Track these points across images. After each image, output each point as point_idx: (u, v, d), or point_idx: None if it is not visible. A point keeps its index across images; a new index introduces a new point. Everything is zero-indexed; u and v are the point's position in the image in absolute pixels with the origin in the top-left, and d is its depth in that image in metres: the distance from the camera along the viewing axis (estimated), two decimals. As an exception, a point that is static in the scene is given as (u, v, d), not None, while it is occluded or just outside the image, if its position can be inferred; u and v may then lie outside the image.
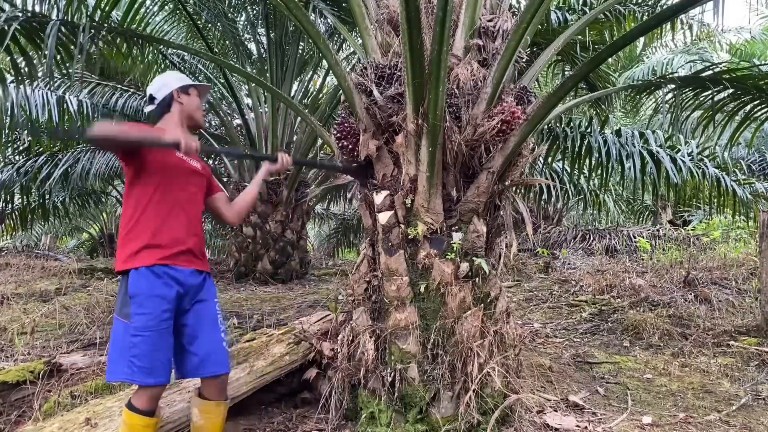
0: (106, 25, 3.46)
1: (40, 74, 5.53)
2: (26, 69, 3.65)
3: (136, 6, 3.94)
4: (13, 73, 3.53)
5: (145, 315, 2.03)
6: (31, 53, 3.56)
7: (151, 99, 2.36)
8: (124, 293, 2.09)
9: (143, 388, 2.04)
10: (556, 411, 3.02)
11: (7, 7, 3.25)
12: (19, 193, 8.87)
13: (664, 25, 5.35)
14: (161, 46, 6.61)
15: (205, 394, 2.26)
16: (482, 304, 2.77)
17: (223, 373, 2.24)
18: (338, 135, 2.96)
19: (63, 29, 3.33)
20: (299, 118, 8.22)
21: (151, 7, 5.56)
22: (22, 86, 5.78)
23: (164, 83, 2.36)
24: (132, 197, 2.16)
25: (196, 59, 7.69)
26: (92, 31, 3.28)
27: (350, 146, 2.93)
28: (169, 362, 2.10)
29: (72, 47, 3.43)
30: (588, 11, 4.96)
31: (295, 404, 3.12)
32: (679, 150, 5.42)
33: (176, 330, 2.16)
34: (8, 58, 3.36)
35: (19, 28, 3.15)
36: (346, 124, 2.94)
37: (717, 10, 2.57)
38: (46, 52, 3.03)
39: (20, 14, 3.18)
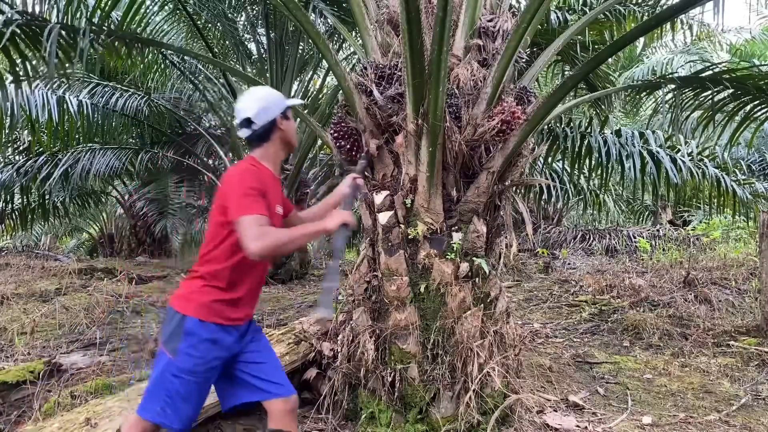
0: (105, 27, 3.45)
1: (39, 77, 5.54)
2: (26, 72, 3.64)
3: (135, 6, 3.94)
4: (12, 76, 3.51)
5: (194, 358, 1.86)
6: (29, 55, 3.56)
7: (248, 122, 2.02)
8: (177, 326, 1.88)
9: (154, 428, 1.92)
10: (556, 411, 3.02)
11: (6, 8, 3.25)
12: (19, 193, 8.87)
13: (664, 26, 5.34)
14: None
15: (281, 426, 2.01)
16: (482, 304, 2.77)
17: (294, 393, 2.07)
18: (335, 135, 2.96)
19: (63, 32, 3.33)
20: (299, 119, 8.21)
21: (151, 7, 5.55)
22: (22, 86, 5.79)
23: (264, 107, 2.02)
24: (233, 237, 1.87)
25: (196, 59, 7.69)
26: (92, 35, 3.28)
27: (348, 146, 2.94)
28: (197, 414, 1.97)
29: (72, 53, 3.42)
30: (588, 11, 4.96)
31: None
32: (679, 150, 5.42)
33: (234, 368, 2.02)
34: (7, 61, 3.35)
35: (17, 30, 3.14)
36: (342, 124, 2.95)
37: (717, 10, 2.57)
38: (45, 55, 3.03)
39: (19, 16, 3.18)
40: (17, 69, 3.41)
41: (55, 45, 2.98)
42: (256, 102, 2.02)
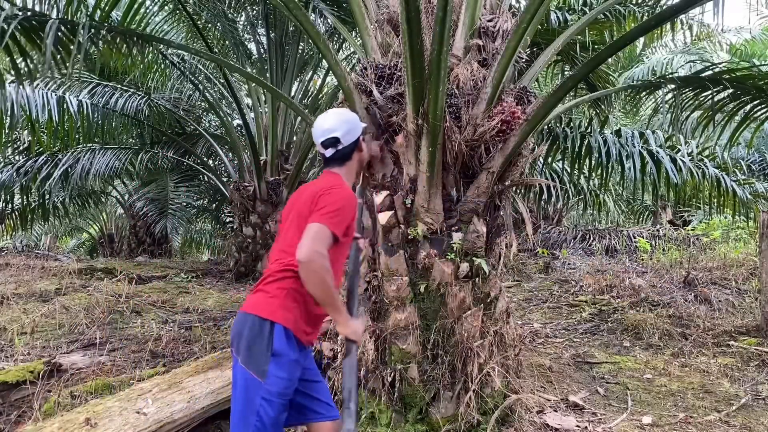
0: (106, 24, 3.45)
1: (39, 74, 5.53)
2: (26, 69, 3.63)
3: (135, 6, 3.94)
4: (13, 73, 3.50)
5: (283, 380, 1.78)
6: (31, 53, 3.55)
7: (335, 142, 2.02)
8: (265, 346, 1.77)
9: None
10: (556, 411, 3.02)
11: (6, 5, 3.24)
12: (19, 193, 8.86)
13: (664, 26, 5.35)
14: (161, 46, 6.61)
15: None
16: (482, 305, 2.77)
17: (339, 417, 2.04)
18: None
19: (63, 28, 3.32)
20: (299, 118, 8.22)
21: (151, 7, 5.55)
22: (22, 86, 5.79)
23: (352, 128, 2.06)
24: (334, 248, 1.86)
25: (196, 59, 7.68)
26: (92, 30, 3.27)
27: None
28: None
29: (71, 47, 3.42)
30: (588, 11, 4.96)
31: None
32: (679, 150, 5.42)
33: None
34: (7, 59, 3.35)
35: (18, 27, 3.14)
36: None
37: (717, 11, 2.57)
38: (45, 51, 3.03)
39: (19, 13, 3.18)
40: (18, 66, 3.40)
41: (53, 39, 2.96)
42: (345, 123, 2.05)
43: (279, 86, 7.66)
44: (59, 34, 3.28)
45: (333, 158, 2.06)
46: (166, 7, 6.42)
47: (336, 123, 2.04)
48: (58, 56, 3.49)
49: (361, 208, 2.66)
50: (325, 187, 1.92)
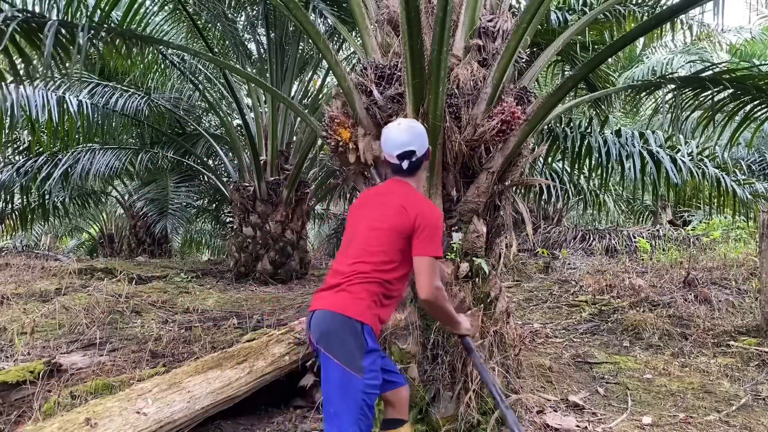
0: (105, 25, 3.45)
1: (38, 75, 5.52)
2: (25, 70, 3.63)
3: (135, 6, 3.94)
4: (12, 74, 3.50)
5: (377, 372, 1.93)
6: (30, 54, 3.55)
7: (411, 154, 2.10)
8: (359, 344, 1.88)
9: None
10: (556, 411, 3.02)
11: (6, 6, 3.24)
12: (19, 193, 8.86)
13: (663, 26, 5.34)
14: (161, 47, 6.61)
15: (395, 414, 2.15)
16: (482, 304, 2.77)
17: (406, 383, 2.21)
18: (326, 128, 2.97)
19: (62, 30, 3.32)
20: (299, 118, 8.22)
21: (151, 7, 5.55)
22: (22, 86, 5.78)
23: (424, 140, 2.15)
24: (408, 262, 2.00)
25: (196, 59, 7.69)
26: (91, 31, 3.28)
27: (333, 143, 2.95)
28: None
29: (71, 47, 3.42)
30: (588, 11, 4.96)
31: (295, 405, 3.12)
32: (679, 150, 5.42)
33: None
34: (7, 60, 3.34)
35: (17, 28, 3.14)
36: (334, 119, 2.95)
37: (717, 11, 2.57)
38: (45, 52, 3.02)
39: (19, 14, 3.17)
40: (17, 68, 3.40)
41: (52, 40, 2.96)
42: (418, 136, 2.13)
43: (279, 86, 7.66)
44: (59, 35, 3.28)
45: (405, 169, 2.14)
46: (166, 8, 6.42)
47: (411, 137, 2.12)
48: (57, 57, 3.49)
49: None
50: (421, 206, 2.02)
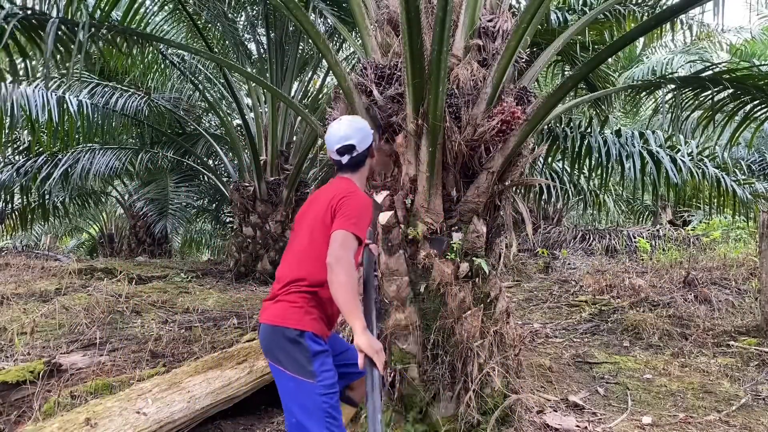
0: (106, 24, 3.44)
1: (38, 74, 5.51)
2: (25, 68, 3.62)
3: (135, 6, 3.94)
4: (12, 73, 3.49)
5: (330, 372, 1.91)
6: (30, 53, 3.55)
7: (350, 149, 2.10)
8: (303, 350, 1.88)
9: None
10: (556, 411, 3.02)
11: (6, 4, 3.23)
12: (19, 193, 8.87)
13: (663, 26, 5.35)
14: (161, 46, 6.61)
15: (354, 396, 2.26)
16: (482, 305, 2.77)
17: None
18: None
19: (63, 27, 3.32)
20: (299, 118, 8.22)
21: (151, 7, 5.55)
22: (22, 86, 5.78)
23: (365, 135, 2.14)
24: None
25: (196, 59, 7.68)
26: (92, 29, 3.27)
27: None
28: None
29: (71, 46, 3.41)
30: (588, 11, 4.96)
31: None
32: (679, 150, 5.41)
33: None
34: (7, 59, 3.34)
35: (18, 25, 3.13)
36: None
37: (717, 11, 2.57)
38: (45, 50, 3.02)
39: (19, 11, 3.17)
40: (16, 66, 3.39)
41: (53, 38, 2.95)
42: (359, 131, 2.12)
43: (279, 86, 7.66)
44: (59, 33, 3.27)
45: (347, 164, 2.13)
46: (166, 7, 6.42)
47: (351, 131, 2.11)
48: (58, 56, 3.49)
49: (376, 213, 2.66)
50: (343, 193, 1.98)
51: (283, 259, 2.08)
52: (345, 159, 2.11)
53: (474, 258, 2.74)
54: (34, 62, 3.70)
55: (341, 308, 1.84)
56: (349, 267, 1.81)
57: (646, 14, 4.92)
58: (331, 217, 1.94)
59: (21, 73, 3.57)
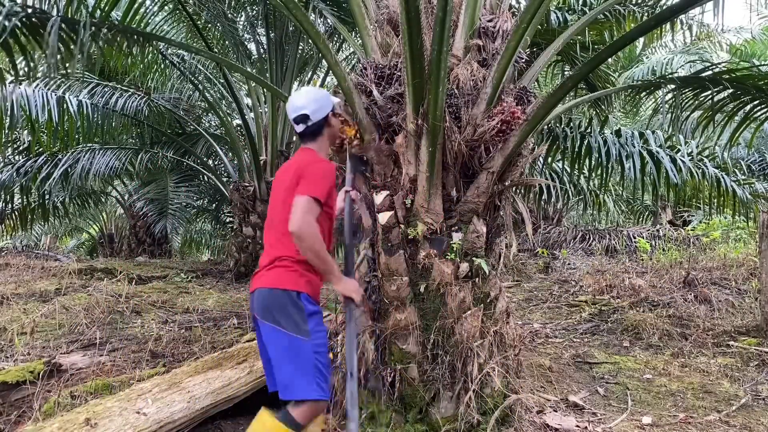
0: (107, 22, 3.44)
1: (39, 73, 5.51)
2: (27, 67, 3.60)
3: (135, 6, 3.94)
4: (12, 73, 3.48)
5: (324, 331, 2.07)
6: (31, 52, 3.54)
7: (305, 118, 2.22)
8: (300, 310, 2.03)
9: (316, 405, 2.03)
10: (556, 411, 3.02)
11: (6, 2, 3.23)
12: (19, 193, 8.86)
13: (663, 26, 5.34)
14: (161, 46, 6.61)
15: None
16: (482, 305, 2.77)
17: None
18: None
19: (63, 26, 3.31)
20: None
21: (151, 7, 5.55)
22: (22, 86, 5.78)
23: (321, 105, 2.24)
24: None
25: (196, 59, 7.68)
26: (92, 28, 3.26)
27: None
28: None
29: (72, 45, 3.41)
30: (588, 11, 4.96)
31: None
32: (678, 150, 5.41)
33: None
34: (7, 59, 3.33)
35: (19, 24, 3.12)
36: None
37: (717, 11, 2.57)
38: (46, 51, 3.01)
39: (20, 9, 3.16)
40: (16, 65, 3.38)
41: (56, 36, 2.95)
42: (313, 101, 2.24)
43: (279, 86, 7.65)
44: (60, 32, 3.26)
45: (305, 134, 2.27)
46: (166, 7, 6.42)
47: (306, 101, 2.23)
48: (58, 56, 3.47)
49: (355, 165, 2.77)
50: (304, 163, 2.15)
51: (267, 230, 2.23)
52: (300, 128, 2.24)
53: (474, 258, 2.74)
54: (34, 63, 3.68)
55: (317, 269, 2.05)
56: (310, 230, 1.97)
57: (646, 14, 4.92)
58: (297, 183, 2.08)
59: (21, 72, 3.55)
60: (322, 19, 6.52)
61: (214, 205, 12.00)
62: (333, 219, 2.29)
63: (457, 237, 2.74)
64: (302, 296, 2.04)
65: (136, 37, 3.65)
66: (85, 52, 3.07)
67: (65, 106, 6.21)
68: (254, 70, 7.96)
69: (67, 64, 3.60)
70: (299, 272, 2.06)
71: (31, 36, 3.30)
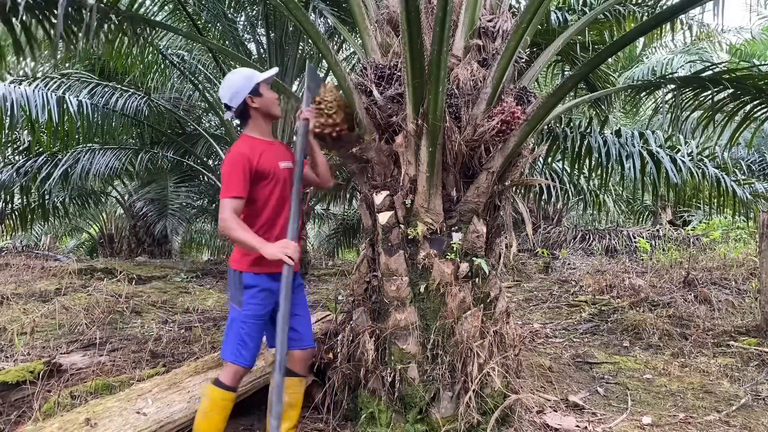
0: (114, 8, 3.41)
1: (38, 75, 5.49)
2: (30, 51, 3.52)
3: (135, 6, 3.94)
4: (11, 73, 3.46)
5: (256, 305, 2.32)
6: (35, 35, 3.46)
7: (227, 107, 2.38)
8: (238, 284, 2.34)
9: (234, 368, 2.31)
10: (556, 411, 3.02)
11: None
12: (19, 193, 8.85)
13: (663, 26, 5.34)
14: (161, 46, 6.60)
15: (294, 368, 2.50)
16: (482, 305, 2.77)
17: (312, 347, 2.56)
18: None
19: (70, 10, 3.27)
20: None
21: (150, 7, 5.55)
22: (22, 86, 5.78)
23: (236, 90, 2.36)
24: (249, 207, 2.36)
25: (196, 59, 7.68)
26: (99, 14, 3.23)
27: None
28: (258, 350, 2.38)
29: (76, 29, 3.36)
30: (588, 11, 4.96)
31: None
32: (678, 150, 5.41)
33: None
34: (11, 39, 3.26)
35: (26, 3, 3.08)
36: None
37: (717, 11, 2.57)
38: (57, 26, 2.96)
39: None
40: (20, 44, 3.33)
41: (62, 14, 2.90)
42: (228, 89, 2.38)
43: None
44: (67, 17, 3.22)
45: (237, 119, 2.45)
46: (166, 7, 6.42)
47: (223, 91, 2.39)
48: (60, 43, 3.43)
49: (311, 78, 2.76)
50: (224, 162, 2.33)
51: None
52: (228, 115, 2.43)
53: (474, 258, 2.74)
54: (38, 46, 3.61)
55: (246, 249, 2.27)
56: (232, 225, 2.20)
57: (646, 14, 4.92)
58: None
59: (25, 53, 3.46)
60: (322, 19, 6.51)
61: (214, 205, 11.98)
62: (282, 182, 2.40)
63: (457, 237, 2.74)
64: (243, 274, 2.32)
65: (142, 26, 3.62)
66: (91, 36, 3.05)
67: (65, 106, 6.21)
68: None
69: (70, 55, 3.56)
70: (242, 252, 2.34)
71: (38, 18, 3.26)
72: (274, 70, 2.52)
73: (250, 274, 2.32)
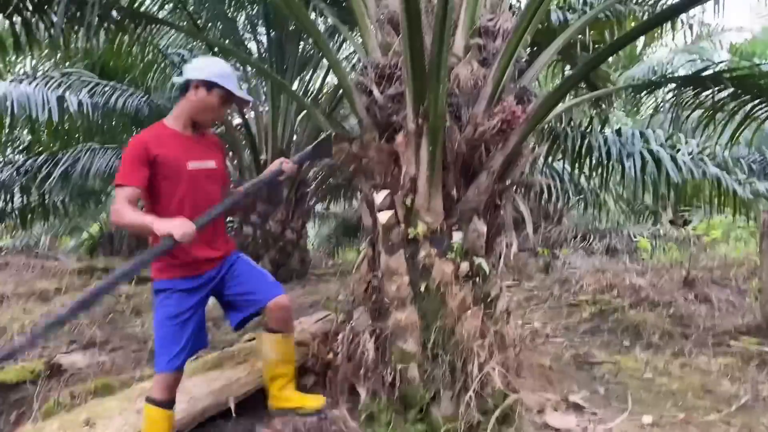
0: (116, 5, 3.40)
1: (38, 73, 5.49)
2: (29, 43, 3.49)
3: (135, 6, 3.93)
4: (10, 71, 3.46)
5: (167, 307, 2.26)
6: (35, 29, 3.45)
7: (182, 73, 2.33)
8: (154, 289, 2.30)
9: (159, 377, 2.24)
10: (557, 411, 3.02)
11: None
12: (19, 192, 8.85)
13: (664, 25, 5.34)
14: (161, 45, 6.60)
15: (272, 325, 2.52)
16: (482, 304, 2.77)
17: (276, 295, 2.46)
18: None
19: (70, 6, 3.26)
20: (299, 118, 8.21)
21: (150, 6, 5.55)
22: (22, 85, 5.78)
23: (200, 67, 2.29)
24: (150, 200, 2.34)
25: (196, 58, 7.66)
26: (100, 10, 3.22)
27: None
28: (186, 351, 2.27)
29: (78, 27, 3.35)
30: (588, 11, 4.95)
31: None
32: (679, 149, 5.40)
33: (225, 297, 2.46)
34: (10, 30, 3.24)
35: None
36: None
37: (717, 10, 2.57)
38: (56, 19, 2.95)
39: None
40: (19, 38, 3.33)
41: (63, 8, 2.89)
42: (201, 61, 2.37)
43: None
44: (67, 13, 3.21)
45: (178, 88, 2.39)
46: (166, 7, 6.42)
47: (194, 61, 2.39)
48: (60, 40, 3.41)
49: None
50: None
51: None
52: (176, 79, 2.44)
53: (474, 257, 2.74)
54: (33, 56, 3.63)
55: (141, 232, 2.17)
56: (121, 210, 2.08)
57: (647, 13, 4.91)
58: None
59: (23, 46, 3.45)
60: (322, 19, 6.50)
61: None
62: (191, 183, 2.25)
63: (457, 236, 2.73)
64: (155, 281, 2.28)
65: (142, 22, 3.61)
66: (91, 34, 3.04)
67: (65, 105, 6.20)
68: (254, 70, 7.95)
69: (70, 54, 3.55)
70: (156, 261, 2.22)
71: (38, 11, 3.25)
72: (250, 100, 2.55)
73: (162, 280, 2.26)
